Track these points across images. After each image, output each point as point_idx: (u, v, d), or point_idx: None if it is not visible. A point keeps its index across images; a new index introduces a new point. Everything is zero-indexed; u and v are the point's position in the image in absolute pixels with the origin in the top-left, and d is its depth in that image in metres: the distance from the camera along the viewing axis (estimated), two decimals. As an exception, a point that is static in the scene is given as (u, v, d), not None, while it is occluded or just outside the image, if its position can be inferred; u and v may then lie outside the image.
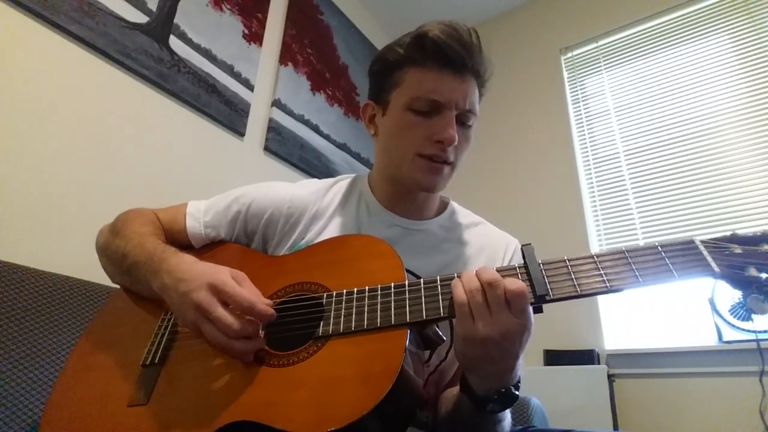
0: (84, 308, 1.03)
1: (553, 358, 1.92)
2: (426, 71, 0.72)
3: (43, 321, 0.95)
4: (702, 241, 0.51)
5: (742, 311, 1.67)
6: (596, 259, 0.53)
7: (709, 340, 1.76)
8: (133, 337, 0.67)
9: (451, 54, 0.71)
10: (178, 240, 0.79)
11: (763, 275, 0.48)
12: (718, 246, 0.51)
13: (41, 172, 1.24)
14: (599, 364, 1.86)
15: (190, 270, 0.61)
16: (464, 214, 0.89)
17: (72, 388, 0.64)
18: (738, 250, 0.50)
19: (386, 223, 0.81)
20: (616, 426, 1.70)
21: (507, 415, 0.66)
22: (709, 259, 0.49)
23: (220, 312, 0.56)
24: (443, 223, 0.84)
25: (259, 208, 0.81)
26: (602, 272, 0.52)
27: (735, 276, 0.48)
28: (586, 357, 1.86)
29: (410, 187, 0.78)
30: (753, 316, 1.63)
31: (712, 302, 1.77)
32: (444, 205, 0.88)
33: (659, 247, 0.52)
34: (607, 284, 0.51)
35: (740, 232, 0.52)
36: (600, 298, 1.95)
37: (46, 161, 1.25)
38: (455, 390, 0.69)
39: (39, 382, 0.89)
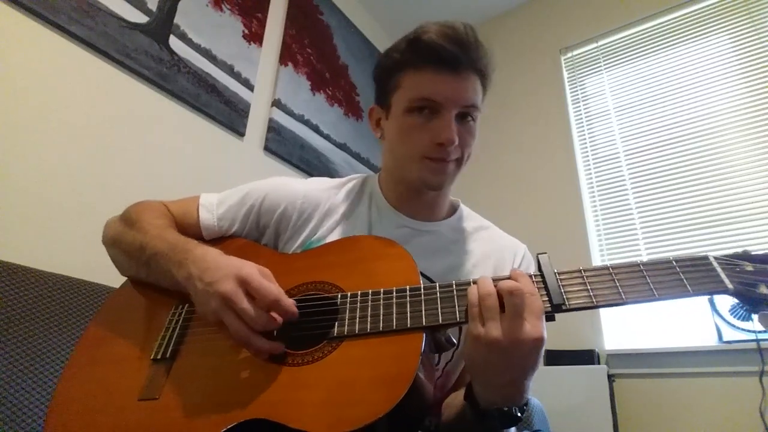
0: (84, 308, 1.03)
1: (553, 358, 1.92)
2: (422, 73, 0.73)
3: (43, 321, 0.95)
4: (715, 258, 0.52)
5: (741, 311, 1.67)
6: (611, 270, 0.54)
7: (709, 340, 1.77)
8: (142, 330, 0.67)
9: (444, 54, 0.71)
10: (189, 232, 0.78)
11: (774, 293, 0.48)
12: (730, 263, 0.51)
13: (41, 172, 1.23)
14: (599, 364, 1.86)
15: (216, 261, 0.61)
16: (473, 218, 0.89)
17: (79, 381, 0.63)
18: (749, 267, 0.51)
19: (395, 224, 0.81)
20: (616, 426, 1.70)
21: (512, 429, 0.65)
22: (723, 275, 0.50)
23: (246, 304, 0.55)
24: (452, 225, 0.85)
25: (273, 202, 0.81)
26: (618, 284, 0.53)
27: (747, 293, 0.49)
28: (586, 357, 1.87)
29: (418, 188, 0.79)
30: (753, 316, 1.63)
31: (712, 302, 1.77)
32: (454, 208, 0.88)
33: (674, 261, 0.53)
34: (623, 296, 0.51)
35: (752, 250, 0.53)
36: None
37: (46, 161, 1.24)
38: (459, 396, 0.69)
39: (39, 381, 0.89)
